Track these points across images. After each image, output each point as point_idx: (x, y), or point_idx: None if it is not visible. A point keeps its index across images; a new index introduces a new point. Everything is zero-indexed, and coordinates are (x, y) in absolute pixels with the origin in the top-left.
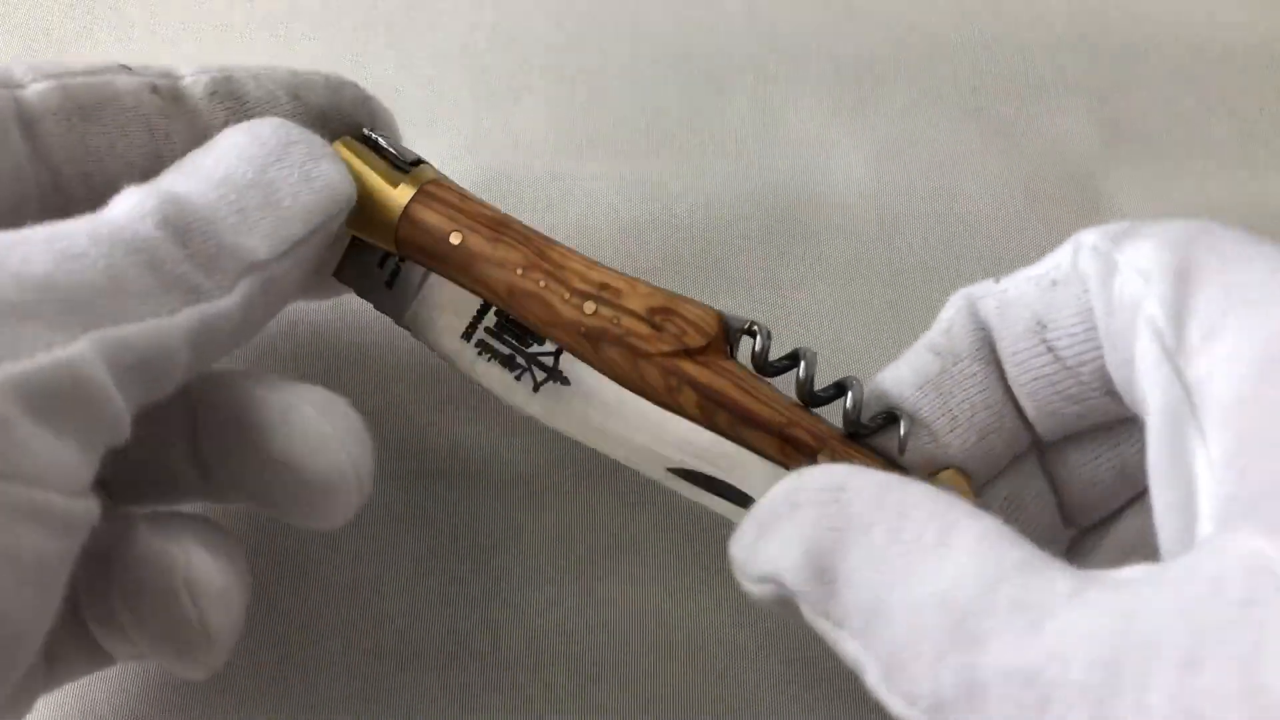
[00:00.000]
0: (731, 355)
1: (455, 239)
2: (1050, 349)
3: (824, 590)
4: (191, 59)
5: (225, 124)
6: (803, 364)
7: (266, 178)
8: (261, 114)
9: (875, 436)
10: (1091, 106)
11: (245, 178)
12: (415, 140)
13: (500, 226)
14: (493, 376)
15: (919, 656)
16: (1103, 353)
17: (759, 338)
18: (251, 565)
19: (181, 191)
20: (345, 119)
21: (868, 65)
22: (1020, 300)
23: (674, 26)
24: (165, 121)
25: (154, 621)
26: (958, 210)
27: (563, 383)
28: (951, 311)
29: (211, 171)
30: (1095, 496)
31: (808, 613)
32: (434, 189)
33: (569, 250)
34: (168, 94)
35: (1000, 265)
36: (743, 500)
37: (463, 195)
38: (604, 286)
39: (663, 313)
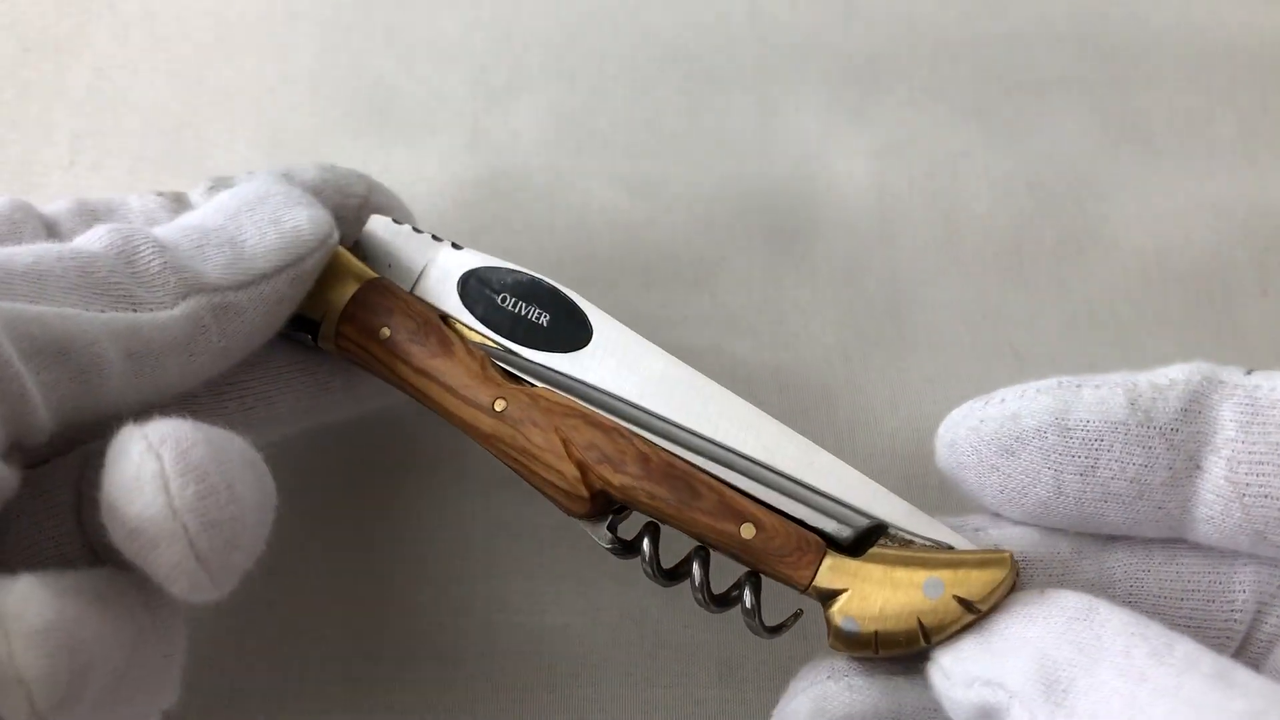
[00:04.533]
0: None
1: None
2: None
3: (1049, 704)
4: (187, 60)
5: None
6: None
7: (235, 222)
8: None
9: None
10: (1094, 104)
11: (214, 223)
12: (415, 140)
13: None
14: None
15: None
16: None
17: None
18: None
19: (147, 229)
20: (339, 191)
21: (868, 64)
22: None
23: (674, 25)
24: (167, 216)
25: None
26: (959, 210)
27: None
28: (1182, 379)
29: (186, 220)
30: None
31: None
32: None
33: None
34: (171, 197)
35: (1002, 265)
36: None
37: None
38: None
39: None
